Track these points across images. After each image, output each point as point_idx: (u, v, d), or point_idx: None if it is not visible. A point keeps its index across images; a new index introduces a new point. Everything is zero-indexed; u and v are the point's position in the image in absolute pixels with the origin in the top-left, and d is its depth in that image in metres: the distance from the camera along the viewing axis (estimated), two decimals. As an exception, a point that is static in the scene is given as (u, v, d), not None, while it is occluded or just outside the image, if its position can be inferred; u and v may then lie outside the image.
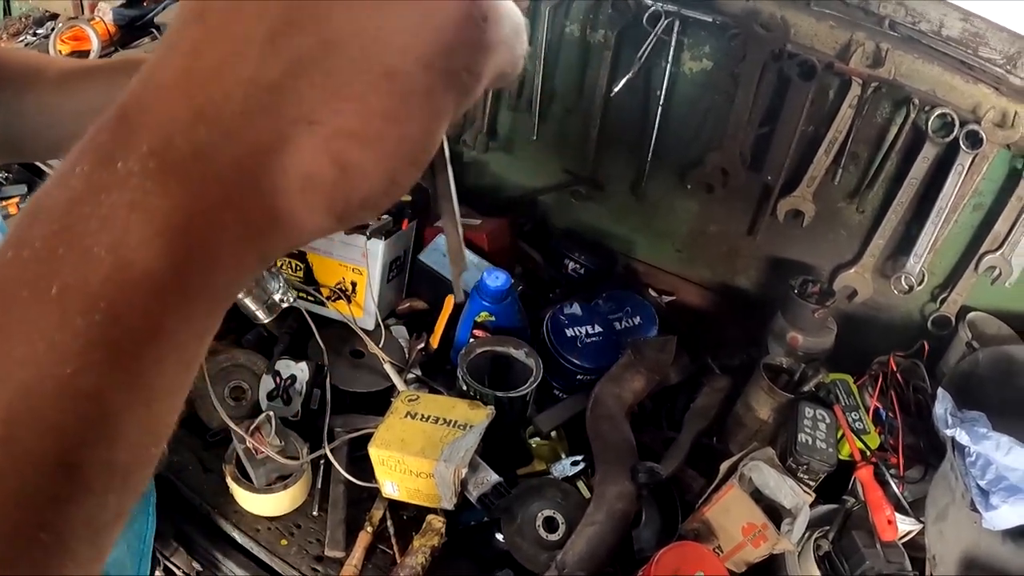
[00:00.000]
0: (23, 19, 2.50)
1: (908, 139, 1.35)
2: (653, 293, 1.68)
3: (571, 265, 1.66)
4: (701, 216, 1.61)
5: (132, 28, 2.11)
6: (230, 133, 0.28)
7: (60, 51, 2.07)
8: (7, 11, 2.88)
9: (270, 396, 1.36)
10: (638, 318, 1.57)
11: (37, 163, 1.94)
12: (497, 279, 1.39)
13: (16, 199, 2.02)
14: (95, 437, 0.28)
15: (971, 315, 1.43)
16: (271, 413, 1.26)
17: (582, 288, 1.65)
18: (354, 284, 1.51)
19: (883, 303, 1.52)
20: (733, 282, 1.66)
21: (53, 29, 2.23)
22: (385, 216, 1.44)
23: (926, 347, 1.43)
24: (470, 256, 1.56)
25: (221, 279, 0.30)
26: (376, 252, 1.45)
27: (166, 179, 0.27)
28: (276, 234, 0.30)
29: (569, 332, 1.47)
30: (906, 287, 1.45)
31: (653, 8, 1.42)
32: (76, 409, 0.27)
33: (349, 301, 1.52)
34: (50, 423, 0.27)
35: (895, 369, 1.39)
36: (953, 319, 1.46)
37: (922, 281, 1.44)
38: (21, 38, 2.35)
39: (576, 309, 1.50)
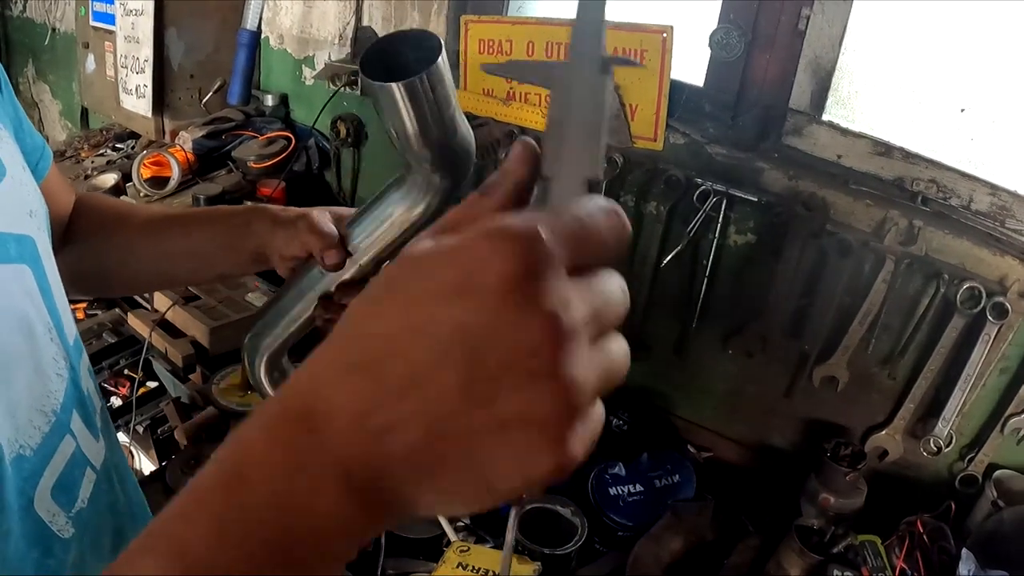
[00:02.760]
0: (103, 132, 2.59)
1: (938, 310, 1.47)
2: (692, 449, 1.75)
3: (615, 422, 1.73)
4: (740, 378, 1.71)
5: (210, 158, 2.22)
6: (390, 472, 0.38)
7: (142, 175, 2.15)
8: (85, 123, 2.94)
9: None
10: (677, 476, 1.64)
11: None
12: None
13: (83, 304, 2.11)
14: None
15: (998, 473, 1.50)
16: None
17: (624, 443, 1.71)
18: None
19: (913, 462, 1.60)
20: (769, 440, 1.74)
21: (133, 147, 2.30)
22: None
23: (953, 508, 1.49)
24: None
25: (368, 538, 0.42)
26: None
27: (352, 496, 0.38)
28: (406, 512, 0.41)
29: (612, 491, 1.56)
30: (935, 449, 1.54)
31: (703, 187, 1.58)
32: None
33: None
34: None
35: (921, 531, 1.46)
36: (980, 478, 1.53)
37: (950, 443, 1.53)
38: (101, 151, 2.44)
39: (619, 469, 1.59)
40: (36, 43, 3.49)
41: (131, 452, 2.07)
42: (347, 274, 0.92)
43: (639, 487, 1.55)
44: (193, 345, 1.84)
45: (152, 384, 2.14)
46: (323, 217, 0.92)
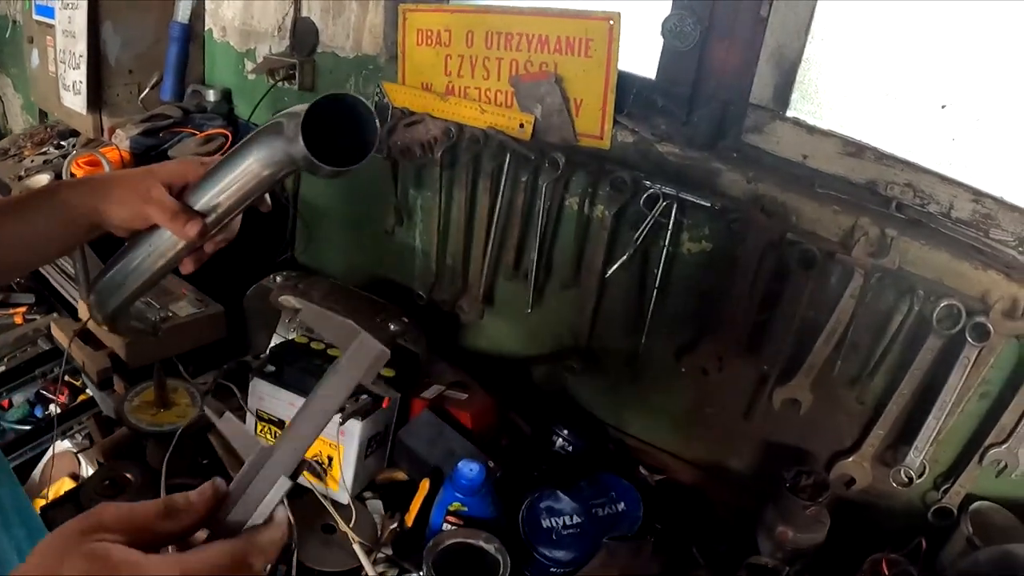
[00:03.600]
0: (48, 129, 2.61)
1: (912, 329, 1.34)
2: (643, 471, 1.63)
3: (559, 442, 1.60)
4: (696, 397, 1.59)
5: (147, 157, 2.15)
6: None
7: (74, 174, 2.10)
8: (45, 118, 2.89)
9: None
10: (622, 504, 1.52)
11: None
12: (471, 471, 1.37)
13: (23, 308, 2.22)
14: None
15: (975, 505, 1.39)
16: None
17: (569, 464, 1.60)
18: (331, 459, 1.47)
19: (883, 491, 1.47)
20: (727, 463, 1.62)
21: (74, 146, 2.31)
22: (364, 396, 1.43)
23: (923, 545, 1.37)
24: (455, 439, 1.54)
25: None
26: (353, 433, 1.44)
27: None
28: None
29: (545, 523, 1.43)
30: (905, 479, 1.41)
31: (652, 190, 1.44)
32: None
33: (324, 475, 1.48)
34: None
35: (886, 572, 1.32)
36: (955, 511, 1.41)
37: (923, 473, 1.40)
38: (44, 149, 2.48)
39: (554, 500, 1.46)
40: (-2, 36, 3.39)
41: (77, 460, 2.00)
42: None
43: (576, 519, 1.42)
44: (113, 358, 1.72)
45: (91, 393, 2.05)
46: (162, 193, 1.03)
